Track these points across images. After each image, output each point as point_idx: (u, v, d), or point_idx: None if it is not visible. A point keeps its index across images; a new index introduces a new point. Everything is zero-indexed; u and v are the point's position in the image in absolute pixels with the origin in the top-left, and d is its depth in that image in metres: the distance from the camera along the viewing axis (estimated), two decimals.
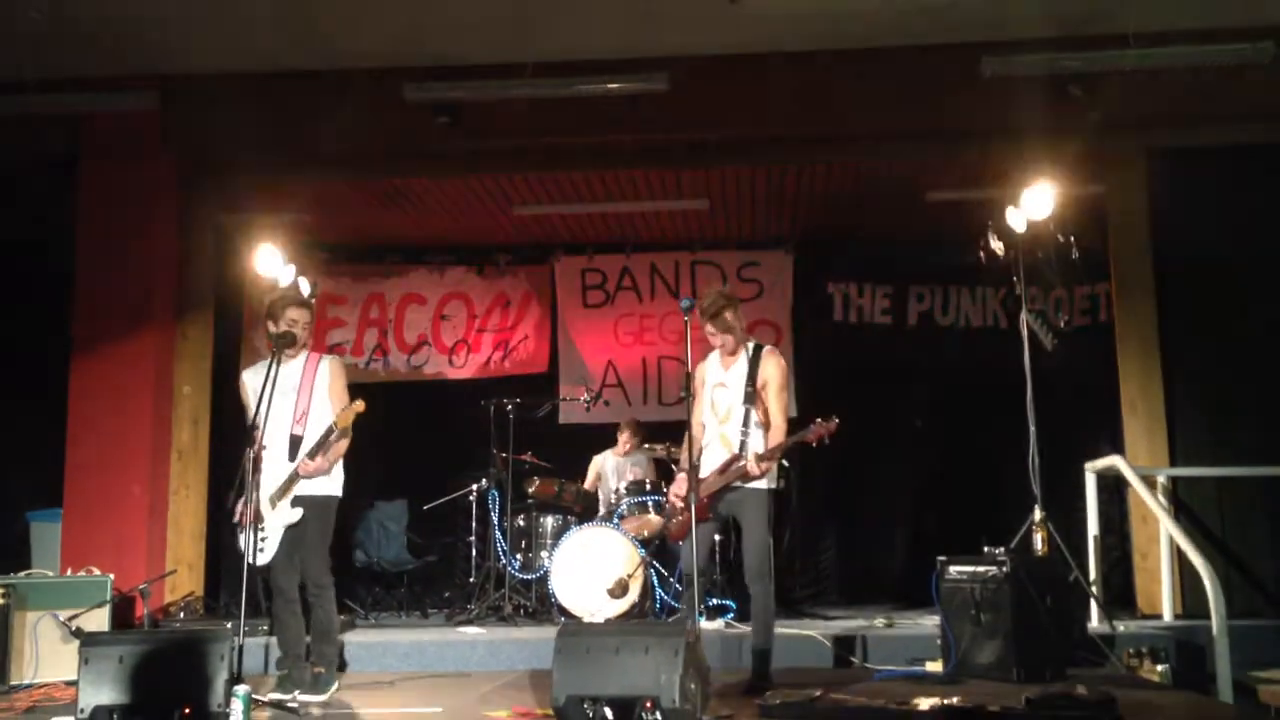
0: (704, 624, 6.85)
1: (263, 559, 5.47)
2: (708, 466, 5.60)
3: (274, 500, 5.50)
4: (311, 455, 5.46)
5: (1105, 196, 7.88)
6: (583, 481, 8.87)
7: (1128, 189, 7.79)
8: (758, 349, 5.68)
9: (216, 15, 6.87)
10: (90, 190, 7.78)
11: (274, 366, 5.30)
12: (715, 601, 7.50)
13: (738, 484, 5.51)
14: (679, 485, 5.69)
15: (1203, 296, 7.61)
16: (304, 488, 5.51)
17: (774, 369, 5.64)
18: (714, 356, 5.81)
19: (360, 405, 5.36)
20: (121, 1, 6.70)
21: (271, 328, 5.57)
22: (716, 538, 7.33)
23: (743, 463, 5.46)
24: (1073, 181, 7.18)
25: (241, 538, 5.38)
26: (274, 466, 5.51)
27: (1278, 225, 7.49)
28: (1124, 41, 6.91)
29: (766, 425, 5.60)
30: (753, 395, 5.55)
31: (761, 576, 5.50)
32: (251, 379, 5.55)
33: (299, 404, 5.58)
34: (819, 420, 5.45)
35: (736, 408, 5.57)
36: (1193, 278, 7.64)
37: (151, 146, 7.75)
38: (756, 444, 5.53)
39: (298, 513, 5.47)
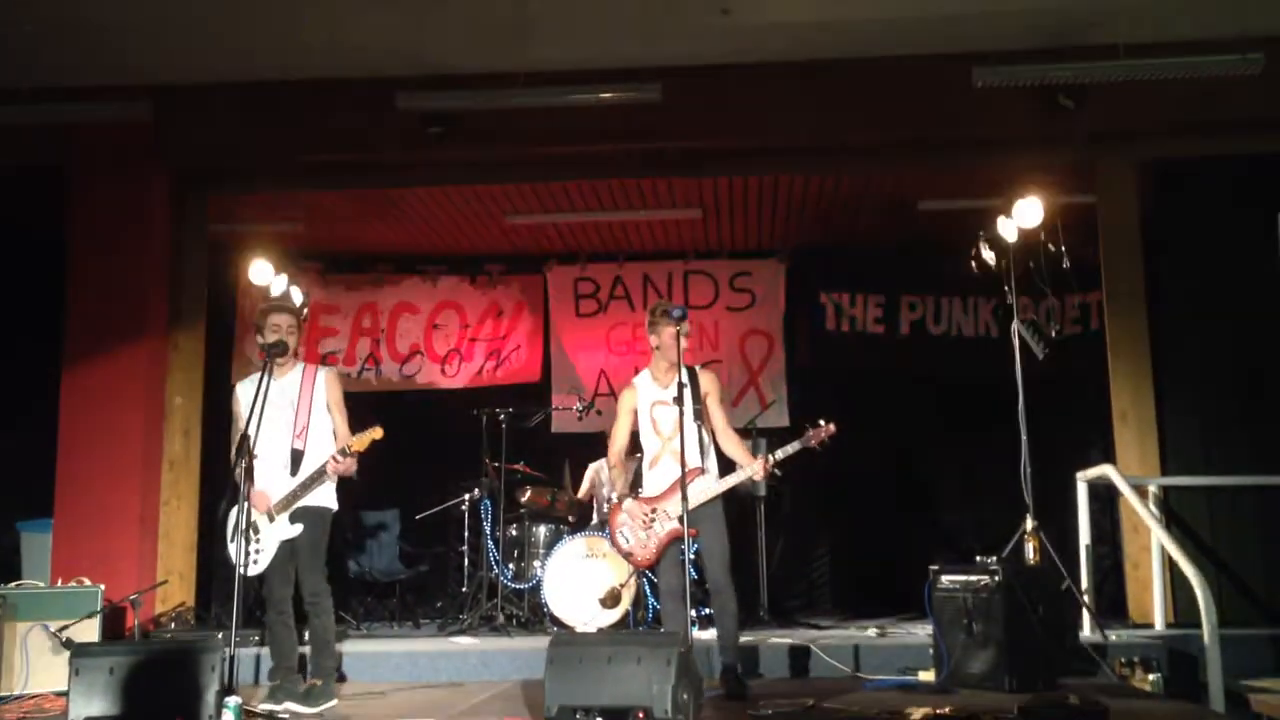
0: (695, 634, 6.85)
1: (255, 570, 5.44)
2: (659, 484, 5.72)
3: (273, 514, 5.47)
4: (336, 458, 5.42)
5: (1096, 206, 7.89)
6: (576, 490, 8.87)
7: (1118, 198, 7.80)
8: (691, 369, 5.76)
9: (209, 25, 6.87)
10: (82, 200, 7.78)
11: (266, 378, 5.27)
12: (706, 611, 7.48)
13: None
14: (635, 515, 5.70)
15: (1194, 305, 7.62)
16: (302, 500, 5.48)
17: (713, 382, 5.84)
18: (644, 376, 5.91)
19: (379, 432, 5.36)
20: (114, 12, 6.70)
21: (260, 340, 5.53)
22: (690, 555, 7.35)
23: (759, 464, 5.62)
24: (1064, 191, 7.20)
25: (232, 549, 5.36)
26: (274, 480, 5.48)
27: (1268, 235, 7.51)
28: (1114, 52, 6.95)
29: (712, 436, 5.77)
30: (700, 412, 5.64)
31: (728, 586, 5.61)
32: (245, 392, 5.46)
33: (299, 418, 5.53)
34: (810, 429, 5.63)
35: (686, 424, 5.53)
36: (1183, 287, 7.66)
37: (144, 156, 7.74)
38: (714, 459, 5.73)
39: (298, 528, 5.44)
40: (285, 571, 5.51)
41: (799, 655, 6.43)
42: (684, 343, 5.58)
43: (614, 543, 5.91)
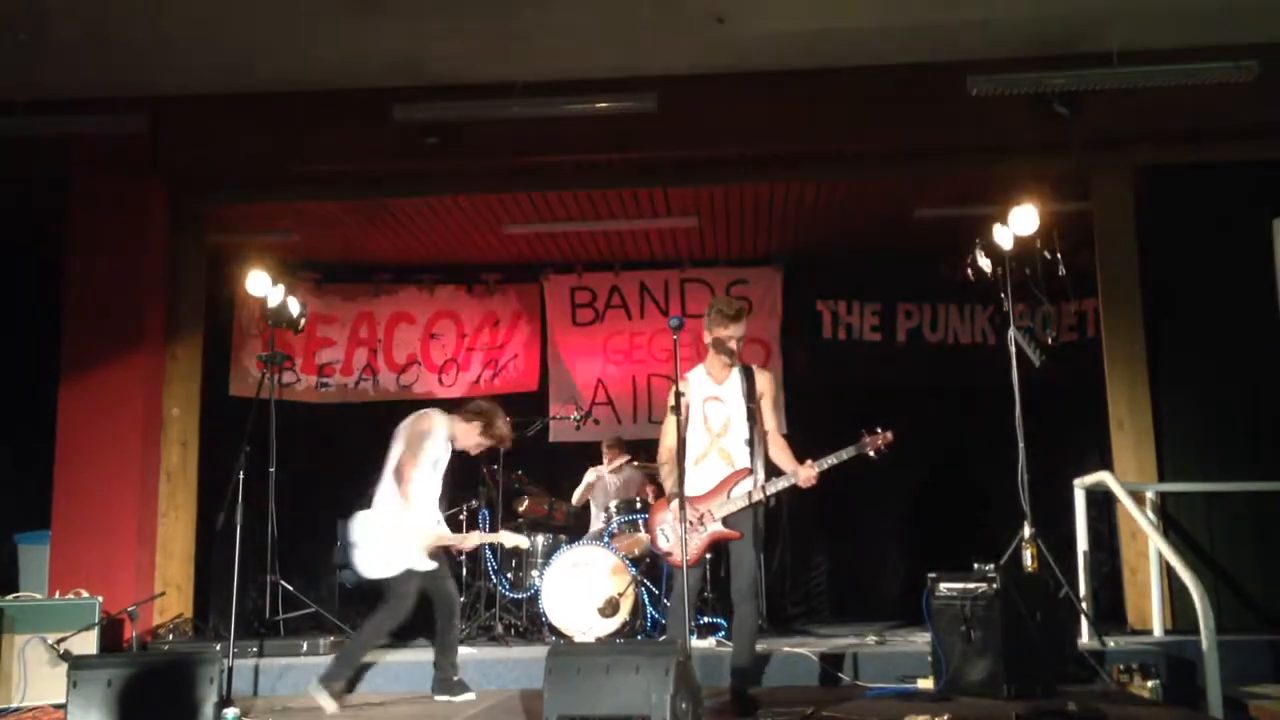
0: (695, 642, 6.84)
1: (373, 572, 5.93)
2: (704, 482, 5.57)
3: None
4: None
5: (1092, 213, 7.92)
6: (573, 496, 8.87)
7: (1114, 205, 7.82)
8: (747, 368, 5.69)
9: (206, 37, 6.89)
10: (80, 211, 7.79)
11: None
12: (705, 620, 7.49)
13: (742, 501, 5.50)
14: (679, 516, 5.57)
15: (1189, 312, 7.64)
16: None
17: (769, 383, 5.71)
18: (699, 371, 5.78)
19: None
20: (111, 24, 6.71)
21: (468, 428, 6.18)
22: (707, 555, 7.30)
23: (760, 485, 5.49)
24: (1059, 198, 7.23)
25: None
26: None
27: (1263, 240, 7.53)
28: (1109, 60, 6.97)
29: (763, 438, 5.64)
30: (754, 412, 5.55)
31: (752, 596, 5.49)
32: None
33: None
34: (866, 435, 5.49)
35: (738, 422, 5.53)
36: (1179, 293, 7.67)
37: (141, 167, 7.75)
38: (763, 461, 5.59)
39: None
40: None
41: (798, 663, 6.43)
42: (736, 345, 5.59)
43: (653, 540, 5.79)
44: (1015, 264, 6.93)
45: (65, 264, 7.78)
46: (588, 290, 10.20)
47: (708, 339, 5.69)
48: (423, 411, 6.17)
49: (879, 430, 5.49)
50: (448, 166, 7.91)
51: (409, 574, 5.88)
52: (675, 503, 5.49)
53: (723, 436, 5.57)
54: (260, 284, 7.79)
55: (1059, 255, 7.18)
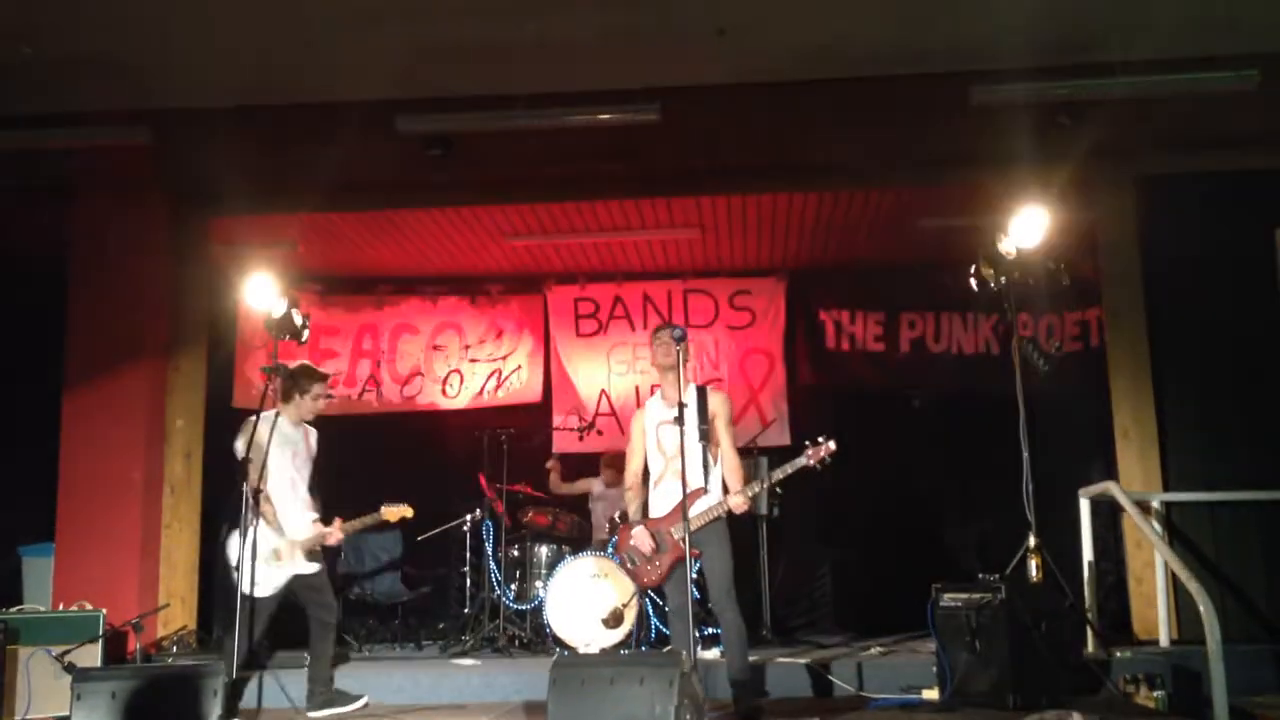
0: (699, 653, 6.82)
1: (260, 591, 5.87)
2: (663, 505, 5.72)
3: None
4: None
5: (1095, 222, 7.91)
6: (579, 510, 8.85)
7: (1117, 215, 7.82)
8: (701, 389, 5.75)
9: (208, 50, 6.91)
10: (82, 223, 7.81)
11: (275, 403, 5.90)
12: (708, 631, 7.47)
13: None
14: (642, 539, 5.68)
15: (1193, 321, 7.63)
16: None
17: (722, 404, 5.83)
18: (655, 397, 5.93)
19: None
20: (113, 37, 6.73)
21: (309, 401, 6.39)
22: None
23: (721, 501, 5.59)
24: (1062, 208, 7.21)
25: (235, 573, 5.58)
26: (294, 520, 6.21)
27: (1266, 249, 7.53)
28: (1111, 70, 6.97)
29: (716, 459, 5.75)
30: (706, 432, 5.60)
31: (731, 603, 5.56)
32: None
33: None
34: (810, 446, 5.58)
35: (690, 444, 5.52)
36: (1183, 302, 7.66)
37: (143, 180, 7.77)
38: (718, 478, 5.70)
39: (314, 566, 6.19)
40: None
41: (803, 674, 6.42)
42: (687, 359, 5.58)
43: (622, 564, 5.90)
44: (1018, 274, 6.93)
45: (68, 276, 7.79)
46: (591, 301, 10.19)
47: (660, 360, 5.75)
48: (245, 422, 6.22)
49: (820, 440, 5.58)
50: (450, 178, 7.90)
51: (297, 579, 6.15)
52: (638, 528, 5.74)
53: (676, 459, 5.57)
54: (263, 295, 7.80)
55: (1062, 265, 7.18)
